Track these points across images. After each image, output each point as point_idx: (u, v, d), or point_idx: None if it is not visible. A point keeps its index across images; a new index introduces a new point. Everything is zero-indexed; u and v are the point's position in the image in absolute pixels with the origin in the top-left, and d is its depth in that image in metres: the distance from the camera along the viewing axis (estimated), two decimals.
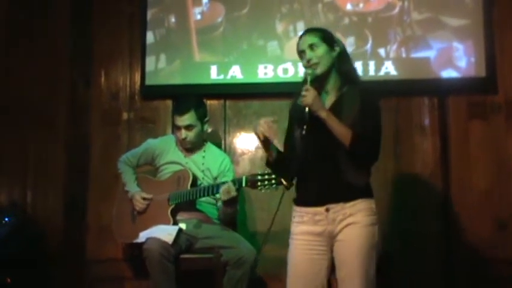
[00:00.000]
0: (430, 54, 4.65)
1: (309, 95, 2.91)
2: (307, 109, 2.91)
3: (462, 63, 4.63)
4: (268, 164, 3.15)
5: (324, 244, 2.96)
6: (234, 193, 3.77)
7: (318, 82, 3.03)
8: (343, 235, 2.90)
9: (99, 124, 4.89)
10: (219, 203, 4.06)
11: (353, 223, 2.89)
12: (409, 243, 4.53)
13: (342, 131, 2.88)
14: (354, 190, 2.93)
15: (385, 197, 4.57)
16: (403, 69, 4.66)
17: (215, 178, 4.21)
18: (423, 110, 4.66)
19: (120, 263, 4.62)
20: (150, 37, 4.88)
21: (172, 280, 3.80)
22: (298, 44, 3.10)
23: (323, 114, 2.90)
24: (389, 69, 4.65)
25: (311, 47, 3.03)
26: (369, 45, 4.70)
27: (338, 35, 4.64)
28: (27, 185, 4.68)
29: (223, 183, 3.88)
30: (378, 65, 4.67)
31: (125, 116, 4.88)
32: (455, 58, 4.64)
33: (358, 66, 4.65)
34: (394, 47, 4.69)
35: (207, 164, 4.23)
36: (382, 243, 4.37)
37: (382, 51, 4.70)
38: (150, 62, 4.85)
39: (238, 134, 4.76)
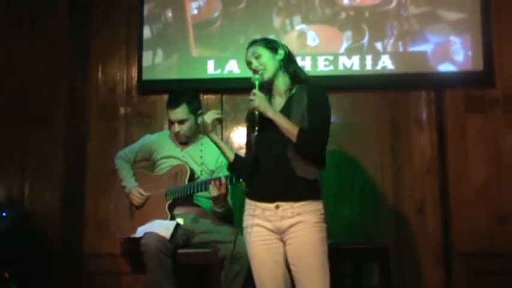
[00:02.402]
0: (427, 48, 4.65)
1: (256, 98, 3.09)
2: (256, 112, 3.09)
3: (459, 57, 4.63)
4: (231, 168, 3.38)
5: (276, 237, 3.13)
6: (222, 189, 3.81)
7: (267, 86, 3.24)
8: (294, 233, 3.07)
9: (96, 119, 4.90)
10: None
11: (301, 221, 3.06)
12: (406, 237, 4.54)
13: (289, 127, 3.05)
14: (303, 190, 3.08)
15: (382, 192, 4.60)
16: (400, 64, 4.66)
17: (212, 172, 4.21)
18: (420, 104, 4.66)
19: (117, 258, 4.63)
20: (147, 32, 4.89)
21: (169, 275, 3.79)
22: (245, 57, 3.28)
23: (270, 114, 3.08)
24: (386, 63, 4.66)
25: (253, 55, 3.22)
26: (366, 40, 4.70)
27: (335, 29, 4.71)
28: (25, 179, 4.67)
29: (218, 178, 3.88)
30: (375, 59, 4.67)
31: (122, 110, 4.89)
32: (452, 52, 4.64)
33: (356, 60, 4.67)
34: (391, 41, 4.69)
35: (205, 157, 4.23)
36: (380, 238, 4.48)
37: (379, 46, 4.70)
38: (147, 57, 4.87)
39: (235, 128, 4.78)
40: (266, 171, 3.11)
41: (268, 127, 3.07)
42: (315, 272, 3.04)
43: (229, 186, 3.86)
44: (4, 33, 4.83)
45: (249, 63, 3.25)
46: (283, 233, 3.09)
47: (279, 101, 3.23)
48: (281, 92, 3.23)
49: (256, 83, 3.15)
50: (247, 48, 3.28)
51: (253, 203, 3.16)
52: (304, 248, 3.05)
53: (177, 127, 4.19)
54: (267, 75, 3.18)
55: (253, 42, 3.28)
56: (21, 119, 4.70)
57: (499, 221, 4.49)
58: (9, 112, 4.72)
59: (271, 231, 3.11)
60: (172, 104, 4.19)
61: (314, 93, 3.15)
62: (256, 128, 3.08)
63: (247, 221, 3.19)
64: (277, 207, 3.07)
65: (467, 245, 4.50)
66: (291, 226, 3.06)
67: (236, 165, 3.33)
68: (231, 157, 3.32)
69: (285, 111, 3.13)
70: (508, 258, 4.41)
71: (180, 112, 4.17)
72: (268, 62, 3.19)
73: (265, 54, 3.20)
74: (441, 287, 4.51)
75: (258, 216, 3.12)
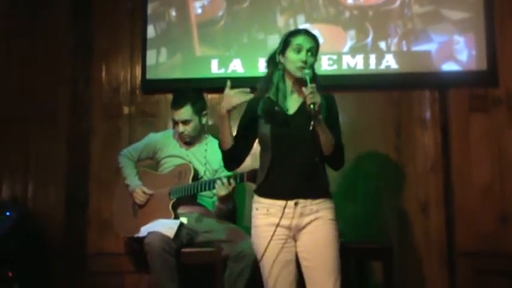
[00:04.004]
0: (431, 47, 4.65)
1: (317, 94, 2.99)
2: (312, 106, 2.96)
3: (463, 56, 4.62)
4: (226, 149, 3.26)
5: (289, 235, 3.13)
6: (230, 188, 3.83)
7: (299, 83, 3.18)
8: (311, 228, 3.11)
9: (100, 118, 4.89)
10: (214, 198, 4.08)
11: (319, 217, 3.11)
12: (410, 237, 4.54)
13: (330, 137, 3.07)
14: (321, 189, 3.16)
15: (385, 190, 4.60)
16: (404, 63, 4.66)
17: (216, 171, 4.21)
18: (424, 103, 4.66)
19: (120, 257, 4.62)
20: (150, 31, 4.88)
21: (173, 274, 3.80)
22: (297, 38, 3.18)
23: (321, 116, 3.02)
24: (390, 62, 4.65)
25: (310, 50, 3.16)
26: (369, 39, 4.70)
27: (339, 29, 4.71)
28: (29, 179, 4.68)
29: (222, 177, 3.88)
30: (378, 59, 4.67)
31: (125, 110, 4.88)
32: (456, 51, 4.63)
33: (359, 59, 4.67)
34: (395, 40, 4.69)
35: (209, 157, 4.23)
36: (384, 237, 4.47)
37: (383, 45, 4.69)
38: (150, 56, 4.86)
39: None
40: (289, 170, 3.10)
41: (292, 125, 3.09)
42: (329, 266, 3.07)
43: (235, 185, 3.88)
44: (4, 33, 4.83)
45: (299, 46, 3.15)
46: (301, 230, 3.11)
47: (292, 100, 3.22)
48: (294, 91, 3.22)
49: (307, 78, 3.06)
50: (304, 33, 3.21)
51: (267, 201, 3.14)
52: (319, 242, 3.09)
53: (181, 127, 4.19)
54: (311, 75, 3.10)
55: (313, 35, 3.22)
56: (24, 119, 4.71)
57: (503, 220, 4.48)
58: (12, 112, 4.72)
59: (287, 228, 3.10)
60: (177, 105, 4.19)
61: (334, 105, 3.22)
62: (312, 123, 2.97)
63: (259, 220, 3.15)
64: (296, 204, 3.07)
65: (470, 245, 4.50)
66: (309, 223, 3.10)
67: (231, 153, 3.25)
68: (231, 143, 3.22)
69: (303, 113, 3.06)
70: (511, 258, 4.40)
71: (184, 113, 4.17)
72: (312, 65, 3.17)
73: (314, 57, 3.17)
74: (444, 286, 4.51)
75: (273, 215, 3.09)
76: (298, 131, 3.05)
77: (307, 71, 3.09)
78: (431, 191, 4.59)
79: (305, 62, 3.12)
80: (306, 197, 3.09)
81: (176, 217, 4.06)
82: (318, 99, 2.97)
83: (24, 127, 4.71)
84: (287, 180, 3.09)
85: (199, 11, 4.87)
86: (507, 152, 4.53)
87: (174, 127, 4.34)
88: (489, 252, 4.46)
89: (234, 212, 4.21)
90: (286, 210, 3.06)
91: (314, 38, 3.20)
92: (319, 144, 3.05)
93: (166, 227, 3.90)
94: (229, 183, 3.83)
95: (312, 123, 2.97)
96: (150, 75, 4.84)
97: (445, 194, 4.58)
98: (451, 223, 4.54)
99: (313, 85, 3.02)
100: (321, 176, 3.14)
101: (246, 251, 3.73)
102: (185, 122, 4.19)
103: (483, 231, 4.48)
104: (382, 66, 4.66)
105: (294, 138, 3.08)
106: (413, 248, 4.54)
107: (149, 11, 4.89)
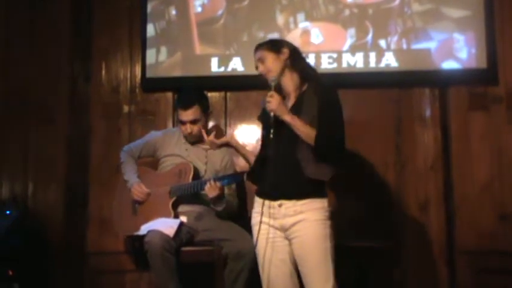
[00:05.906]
0: (431, 45, 4.64)
1: (273, 101, 3.08)
2: (272, 114, 3.08)
3: (463, 54, 4.62)
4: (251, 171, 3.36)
5: (281, 235, 3.16)
6: (218, 191, 3.87)
7: (279, 87, 3.23)
8: (296, 232, 3.09)
9: (99, 117, 4.89)
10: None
11: (303, 220, 3.08)
12: (410, 235, 4.54)
13: (306, 132, 3.05)
14: (307, 190, 3.09)
15: (385, 189, 4.59)
16: (404, 61, 4.65)
17: (217, 172, 4.21)
18: (424, 101, 4.65)
19: (121, 256, 4.62)
20: (150, 30, 4.88)
21: (173, 272, 3.80)
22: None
23: (287, 118, 3.08)
24: (390, 60, 4.64)
25: (260, 60, 3.24)
26: (369, 37, 4.69)
27: (338, 27, 4.70)
28: (28, 178, 4.68)
29: (223, 177, 3.89)
30: (378, 57, 4.66)
31: (125, 108, 4.88)
32: (456, 49, 4.62)
33: (359, 57, 4.66)
34: (395, 38, 4.68)
35: (210, 157, 4.23)
36: (384, 236, 4.47)
37: (383, 43, 4.68)
38: (150, 55, 4.86)
39: (239, 126, 4.77)
40: (274, 170, 3.11)
41: (281, 128, 3.09)
42: (317, 268, 3.06)
43: (227, 186, 3.90)
44: (4, 33, 4.83)
45: (256, 68, 3.28)
46: (287, 231, 3.11)
47: (289, 100, 3.23)
48: (290, 91, 3.24)
49: (272, 84, 3.15)
50: (254, 53, 3.30)
51: (260, 200, 3.17)
52: (306, 245, 3.07)
53: (189, 128, 4.19)
54: (273, 75, 3.19)
55: (257, 47, 3.30)
56: (24, 118, 4.72)
57: (503, 218, 4.47)
58: (12, 111, 4.73)
59: (277, 229, 3.13)
60: (185, 104, 4.19)
61: (324, 94, 3.14)
62: (272, 131, 3.07)
63: (254, 218, 3.21)
64: (280, 205, 3.10)
65: (470, 243, 4.49)
66: (293, 224, 3.09)
67: (254, 172, 3.31)
68: (251, 165, 3.32)
69: (295, 109, 3.14)
70: (511, 256, 4.40)
71: (193, 113, 4.17)
72: (272, 64, 3.20)
73: (268, 56, 3.22)
74: (445, 285, 4.50)
75: (263, 214, 3.13)
76: (285, 133, 3.09)
77: (272, 78, 3.17)
78: (431, 190, 4.58)
79: (261, 75, 3.25)
80: (289, 198, 3.10)
81: (176, 216, 4.06)
82: (272, 107, 3.07)
83: (24, 126, 4.72)
84: (271, 181, 3.12)
85: (199, 9, 4.87)
86: (507, 150, 4.52)
87: (178, 127, 4.32)
88: (489, 250, 4.46)
89: (234, 210, 4.21)
90: (272, 210, 3.12)
91: (258, 48, 3.30)
92: (302, 144, 3.07)
93: (166, 225, 3.90)
94: (216, 186, 3.85)
95: (272, 131, 3.07)
96: (150, 74, 4.84)
97: (445, 192, 4.58)
98: (451, 221, 4.54)
99: (271, 92, 3.11)
100: (306, 176, 3.09)
101: (245, 249, 3.74)
102: (194, 122, 4.19)
103: (483, 229, 4.47)
104: (382, 65, 4.66)
105: (276, 140, 3.10)
106: (413, 246, 4.53)
107: (149, 9, 4.89)
